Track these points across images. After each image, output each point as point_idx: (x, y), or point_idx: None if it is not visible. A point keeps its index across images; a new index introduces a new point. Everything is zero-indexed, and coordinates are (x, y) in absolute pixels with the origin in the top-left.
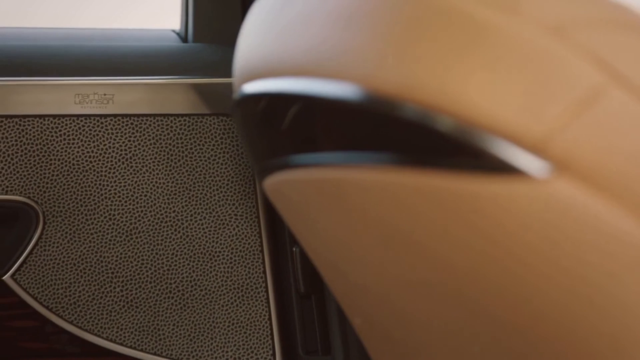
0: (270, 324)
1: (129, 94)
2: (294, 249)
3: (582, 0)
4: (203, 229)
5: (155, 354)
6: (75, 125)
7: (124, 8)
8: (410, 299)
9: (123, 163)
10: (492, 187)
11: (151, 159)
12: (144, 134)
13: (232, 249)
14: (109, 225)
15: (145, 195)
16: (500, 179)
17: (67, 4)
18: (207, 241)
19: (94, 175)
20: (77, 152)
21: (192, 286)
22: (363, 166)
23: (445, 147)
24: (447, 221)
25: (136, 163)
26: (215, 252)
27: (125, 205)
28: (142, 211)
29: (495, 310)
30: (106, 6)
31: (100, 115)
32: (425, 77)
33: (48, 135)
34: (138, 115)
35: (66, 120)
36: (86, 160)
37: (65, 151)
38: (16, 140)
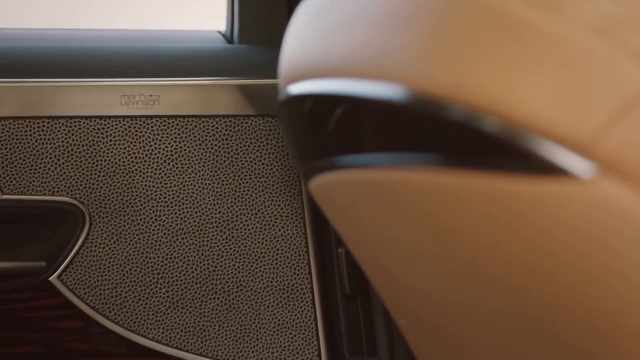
0: (316, 325)
1: (174, 95)
2: (340, 249)
3: (627, 0)
4: (248, 229)
5: (200, 354)
6: (121, 126)
7: (170, 9)
8: (457, 300)
9: (169, 164)
10: (538, 188)
11: (197, 160)
12: (189, 135)
13: (278, 249)
14: (155, 226)
15: (191, 196)
16: (547, 180)
17: (114, 6)
18: (252, 242)
19: (140, 176)
20: (123, 153)
21: (237, 287)
22: (409, 167)
23: (492, 148)
24: (494, 222)
25: (182, 164)
26: (261, 253)
27: (171, 206)
28: (187, 212)
29: (540, 310)
30: (152, 8)
31: (146, 116)
32: (472, 78)
33: (94, 136)
34: (184, 116)
35: (112, 121)
36: (132, 161)
37: (111, 152)
38: (62, 142)
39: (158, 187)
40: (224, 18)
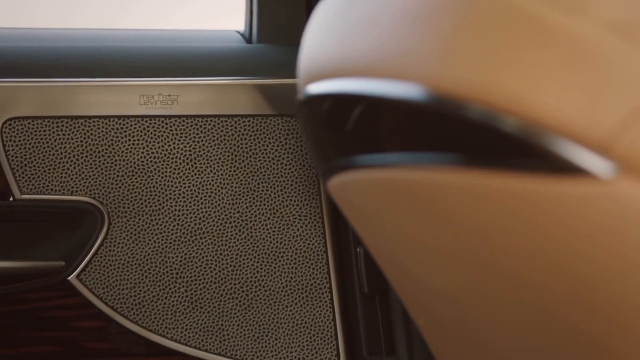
0: (335, 325)
1: (193, 95)
2: (358, 249)
3: None
4: (267, 229)
5: (219, 354)
6: (140, 126)
7: (188, 9)
8: (476, 299)
9: (187, 164)
10: (557, 188)
11: (215, 159)
12: (208, 135)
13: (296, 249)
14: (174, 226)
15: (210, 196)
16: (565, 180)
17: (133, 5)
18: (271, 242)
19: (159, 175)
20: (142, 152)
21: (256, 286)
22: (428, 167)
23: (510, 147)
24: (512, 221)
25: (200, 164)
26: (279, 252)
27: (190, 206)
28: (206, 212)
29: (560, 308)
30: (171, 7)
31: (165, 116)
32: (490, 78)
33: (113, 136)
34: (202, 116)
35: (131, 121)
36: (151, 161)
37: (130, 152)
38: (81, 141)
39: (177, 187)
40: (242, 17)
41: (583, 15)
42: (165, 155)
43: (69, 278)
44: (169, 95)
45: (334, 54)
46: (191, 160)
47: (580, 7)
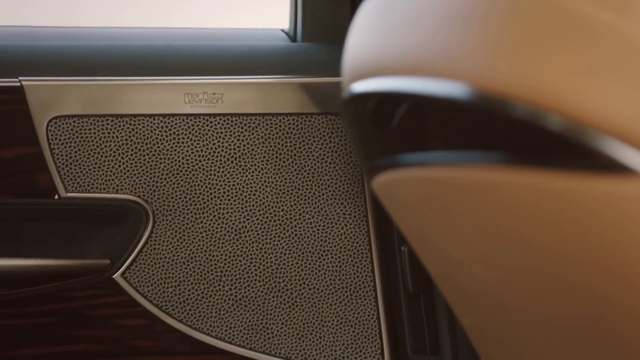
0: (379, 323)
1: (238, 93)
2: (403, 248)
3: None
4: (311, 227)
5: (263, 352)
6: (184, 125)
7: (233, 8)
8: (521, 298)
9: (232, 162)
10: (603, 187)
11: (260, 158)
12: (252, 133)
13: (340, 247)
14: (218, 224)
15: (254, 194)
16: (611, 178)
17: (177, 4)
18: (315, 240)
19: (203, 174)
20: (187, 151)
21: (300, 285)
22: (473, 165)
23: (556, 146)
24: (557, 220)
25: (245, 162)
26: (324, 250)
27: (234, 204)
28: (250, 210)
29: (607, 309)
30: (216, 6)
31: (210, 115)
32: (536, 76)
33: (158, 135)
34: (247, 115)
35: (176, 119)
36: (195, 159)
37: (175, 150)
38: (126, 140)
39: (221, 185)
40: (287, 16)
41: (630, 15)
42: (209, 153)
43: (114, 276)
44: (214, 94)
45: (378, 53)
46: (236, 159)
47: (627, 7)
